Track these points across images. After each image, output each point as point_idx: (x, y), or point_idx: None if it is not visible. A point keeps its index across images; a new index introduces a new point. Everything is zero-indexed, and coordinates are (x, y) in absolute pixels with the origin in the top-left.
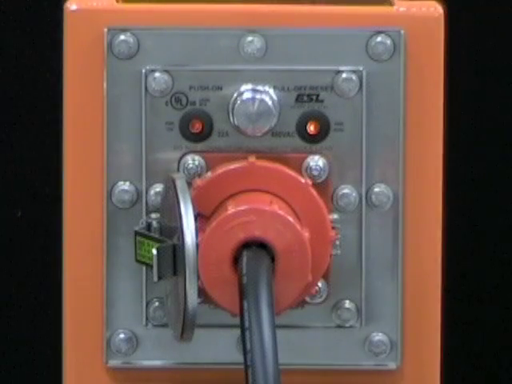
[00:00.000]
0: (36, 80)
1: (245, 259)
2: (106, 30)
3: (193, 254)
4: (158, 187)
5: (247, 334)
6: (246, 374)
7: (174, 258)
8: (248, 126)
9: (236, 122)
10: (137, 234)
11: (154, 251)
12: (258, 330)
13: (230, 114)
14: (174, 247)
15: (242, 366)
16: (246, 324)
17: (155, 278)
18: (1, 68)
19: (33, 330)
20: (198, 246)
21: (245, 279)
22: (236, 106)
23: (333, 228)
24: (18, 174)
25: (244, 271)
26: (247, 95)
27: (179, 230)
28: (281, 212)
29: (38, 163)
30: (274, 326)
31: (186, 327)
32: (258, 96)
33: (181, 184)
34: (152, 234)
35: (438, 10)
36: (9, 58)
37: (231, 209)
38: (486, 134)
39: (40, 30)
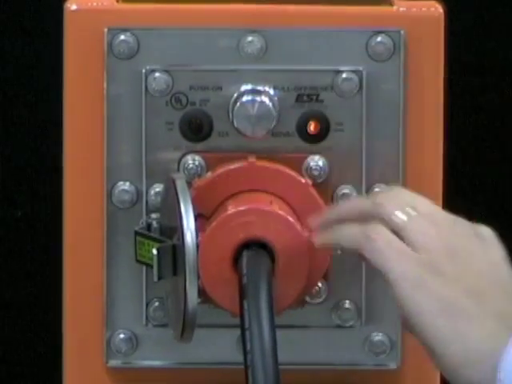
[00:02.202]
0: (36, 80)
1: (245, 259)
2: (106, 29)
3: (193, 254)
4: (158, 187)
5: (247, 334)
6: (246, 374)
7: (174, 258)
8: (248, 128)
9: (236, 124)
10: (137, 234)
11: (154, 251)
12: (258, 330)
13: (230, 116)
14: (174, 247)
15: (242, 366)
16: (246, 324)
17: (155, 278)
18: (1, 68)
19: (33, 330)
20: (198, 246)
21: (245, 279)
22: (236, 108)
23: None
24: (17, 174)
25: (244, 271)
26: (247, 97)
27: (179, 230)
28: (281, 212)
29: (38, 163)
30: (274, 326)
31: (186, 327)
32: (257, 98)
33: (181, 184)
34: (152, 234)
35: (438, 9)
36: (9, 58)
37: (231, 209)
38: (485, 134)
39: (40, 30)
